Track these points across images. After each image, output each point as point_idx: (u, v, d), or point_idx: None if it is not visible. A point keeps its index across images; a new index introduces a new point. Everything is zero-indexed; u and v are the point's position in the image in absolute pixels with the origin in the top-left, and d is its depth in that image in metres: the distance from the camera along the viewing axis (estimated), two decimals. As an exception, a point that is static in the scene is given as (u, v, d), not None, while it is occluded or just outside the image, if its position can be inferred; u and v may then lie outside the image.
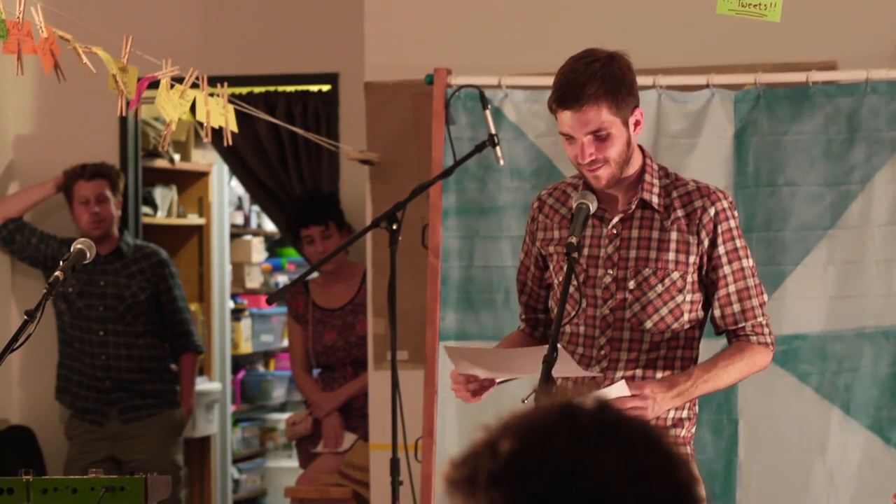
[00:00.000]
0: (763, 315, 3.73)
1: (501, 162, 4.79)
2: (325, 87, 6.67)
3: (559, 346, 3.45)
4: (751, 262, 3.73)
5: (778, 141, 4.81)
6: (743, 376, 3.75)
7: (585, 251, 3.72)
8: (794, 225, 4.78)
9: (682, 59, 5.20)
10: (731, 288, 3.69)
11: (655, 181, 3.72)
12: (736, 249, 3.70)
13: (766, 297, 3.76)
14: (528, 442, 1.57)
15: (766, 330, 3.73)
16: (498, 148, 4.75)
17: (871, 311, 4.76)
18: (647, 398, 3.52)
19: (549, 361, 3.41)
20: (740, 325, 3.71)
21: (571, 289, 3.61)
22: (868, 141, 4.78)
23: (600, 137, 3.59)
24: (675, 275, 3.68)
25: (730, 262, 3.69)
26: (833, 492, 4.74)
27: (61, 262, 3.70)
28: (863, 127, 4.77)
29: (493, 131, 4.77)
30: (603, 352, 3.69)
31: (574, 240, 3.54)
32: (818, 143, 4.79)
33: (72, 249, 3.75)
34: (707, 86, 4.85)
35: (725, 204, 3.71)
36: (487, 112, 4.80)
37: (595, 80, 3.56)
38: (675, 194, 3.71)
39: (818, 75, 4.84)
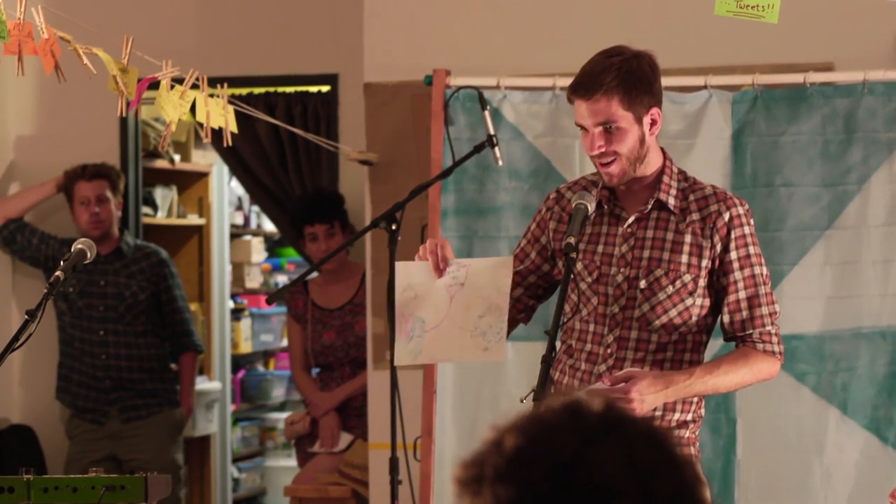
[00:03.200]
0: (773, 325, 3.71)
1: (500, 162, 4.80)
2: (325, 88, 6.68)
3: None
4: (764, 269, 3.70)
5: (775, 142, 4.82)
6: (745, 383, 3.73)
7: (600, 248, 3.73)
8: (791, 225, 4.79)
9: (680, 59, 5.20)
10: (742, 294, 3.68)
11: (673, 183, 3.72)
12: (749, 256, 3.68)
13: (777, 307, 3.73)
14: (532, 438, 1.59)
15: (773, 339, 3.71)
16: (497, 148, 4.76)
17: (868, 311, 4.78)
18: (632, 401, 3.50)
19: (547, 361, 3.42)
20: (748, 332, 3.69)
21: (575, 289, 3.62)
22: (865, 142, 4.79)
23: (609, 130, 3.60)
24: (687, 277, 3.68)
25: (741, 267, 3.68)
26: (831, 491, 4.75)
27: (62, 262, 3.71)
28: (860, 128, 4.78)
29: (492, 132, 4.79)
30: (610, 350, 3.69)
31: (572, 240, 3.54)
32: (815, 143, 4.80)
33: (72, 249, 3.76)
34: (705, 87, 4.86)
35: (741, 210, 3.69)
36: (486, 113, 4.81)
37: (610, 72, 3.58)
38: (691, 198, 3.71)
39: (815, 76, 4.85)
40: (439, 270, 3.71)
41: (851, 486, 4.74)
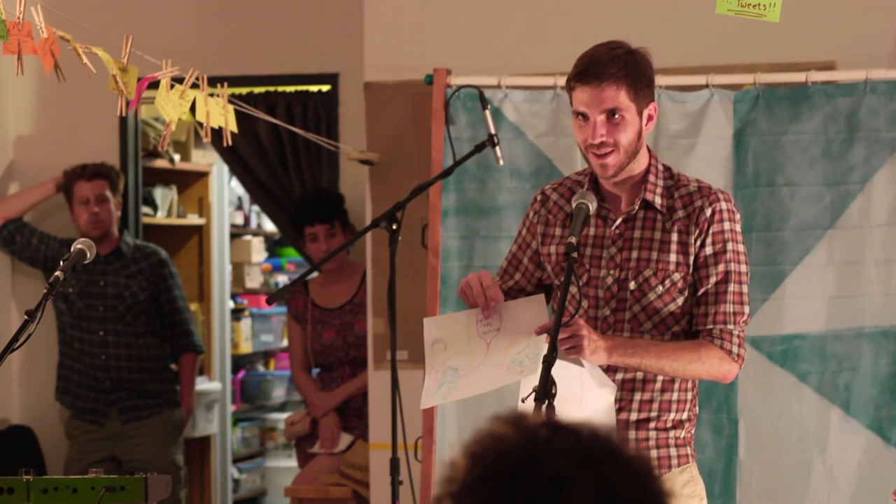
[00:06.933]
0: (735, 324, 3.63)
1: (501, 162, 4.80)
2: (325, 88, 6.68)
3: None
4: (742, 268, 3.65)
5: (777, 141, 4.81)
6: (692, 374, 3.64)
7: (588, 251, 3.70)
8: (793, 225, 4.79)
9: (682, 59, 5.20)
10: (710, 289, 3.63)
11: (659, 181, 3.70)
12: (724, 252, 3.64)
13: (746, 308, 3.65)
14: (480, 454, 1.61)
15: (734, 340, 3.63)
16: (497, 148, 4.75)
17: (871, 310, 4.77)
18: (582, 337, 3.47)
19: (549, 361, 3.41)
20: (708, 327, 3.63)
21: (573, 289, 3.60)
22: (867, 141, 4.78)
23: (614, 120, 3.59)
24: (676, 276, 3.65)
25: (716, 263, 3.63)
26: (833, 491, 4.74)
27: (61, 263, 3.70)
28: (862, 127, 4.78)
29: (493, 131, 4.78)
30: None
31: (574, 240, 3.52)
32: (817, 143, 4.80)
33: (72, 249, 3.75)
34: (706, 86, 4.85)
35: (724, 206, 3.66)
36: (487, 112, 4.81)
37: (617, 62, 3.58)
38: (676, 195, 3.69)
39: (817, 75, 4.84)
40: (488, 311, 3.64)
41: (854, 486, 4.74)
